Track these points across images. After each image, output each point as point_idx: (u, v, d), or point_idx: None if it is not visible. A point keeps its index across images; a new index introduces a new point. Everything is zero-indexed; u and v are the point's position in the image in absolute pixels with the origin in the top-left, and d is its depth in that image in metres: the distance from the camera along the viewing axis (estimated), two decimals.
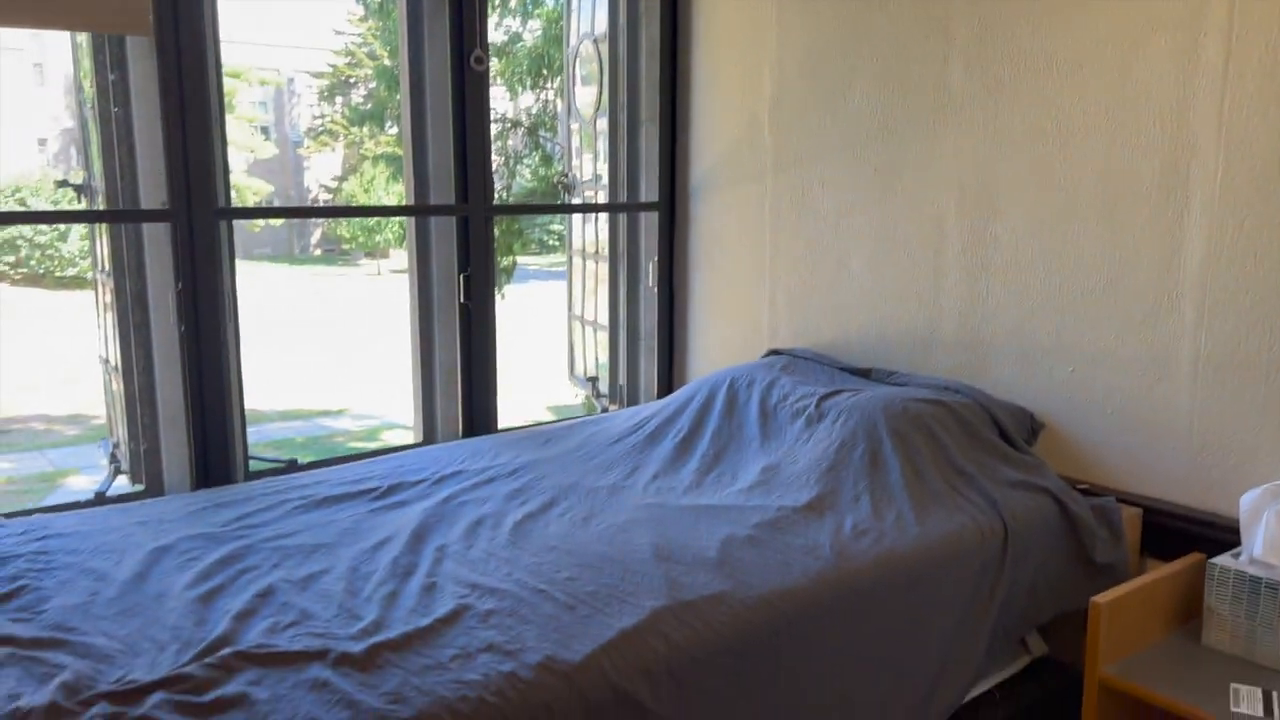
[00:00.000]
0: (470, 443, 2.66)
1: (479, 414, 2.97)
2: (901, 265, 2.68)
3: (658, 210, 3.33)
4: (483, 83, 2.86)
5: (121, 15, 2.19)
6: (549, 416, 3.06)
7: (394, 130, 16.58)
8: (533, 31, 11.39)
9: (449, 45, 2.80)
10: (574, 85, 3.84)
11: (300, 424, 9.72)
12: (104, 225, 2.65)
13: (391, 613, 1.58)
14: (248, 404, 2.63)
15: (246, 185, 18.23)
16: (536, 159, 12.32)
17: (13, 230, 15.59)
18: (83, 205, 2.77)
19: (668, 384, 3.43)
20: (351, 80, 18.96)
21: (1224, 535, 2.02)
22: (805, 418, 2.40)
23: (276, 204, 20.67)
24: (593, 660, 1.45)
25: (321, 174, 21.09)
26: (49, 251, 15.84)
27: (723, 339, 3.27)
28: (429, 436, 3.00)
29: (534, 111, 12.38)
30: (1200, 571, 1.94)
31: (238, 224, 2.78)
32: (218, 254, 2.45)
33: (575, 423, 2.88)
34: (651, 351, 3.44)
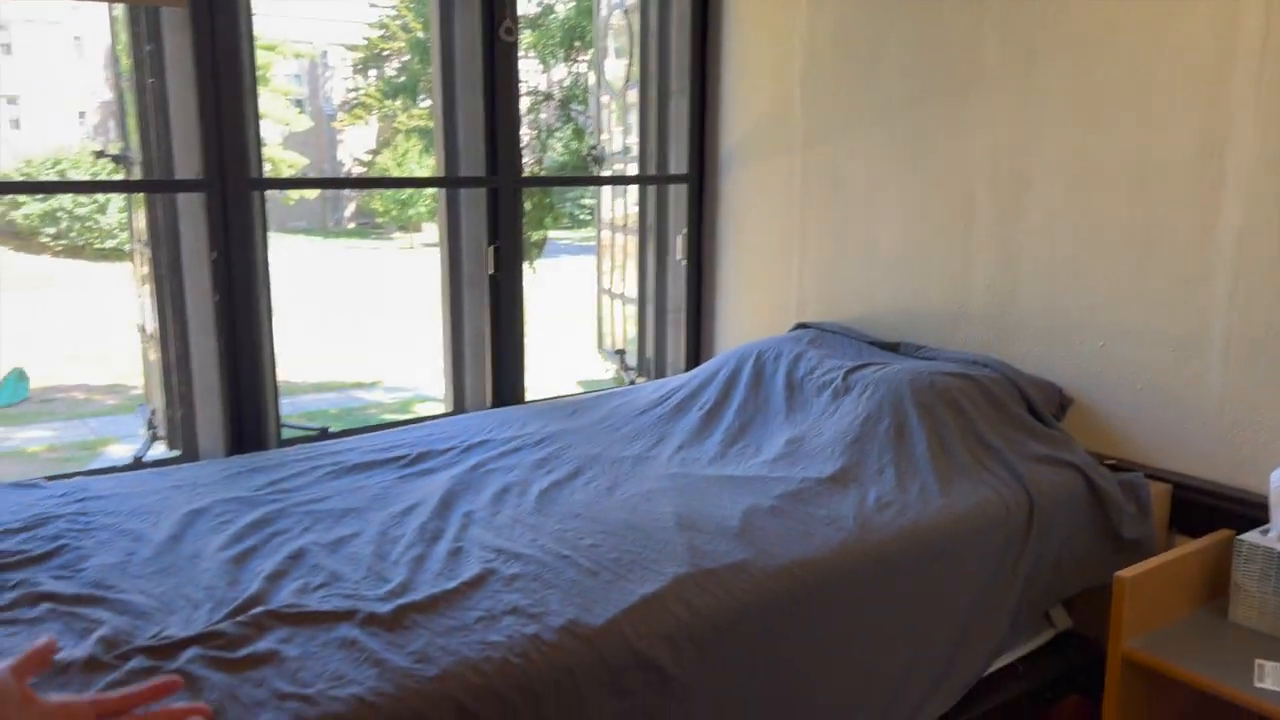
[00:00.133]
0: (498, 413, 2.69)
1: (507, 385, 2.99)
2: (931, 238, 2.66)
3: (687, 183, 3.33)
4: (512, 53, 2.86)
5: None
6: (578, 391, 3.09)
7: (427, 103, 16.62)
8: (565, 3, 11.34)
9: (479, 16, 2.81)
10: (604, 57, 3.83)
11: (334, 396, 9.83)
12: (141, 196, 2.69)
13: (418, 575, 1.61)
14: (282, 375, 2.67)
15: (281, 158, 18.34)
16: (568, 132, 12.30)
17: (53, 203, 15.83)
18: (120, 176, 2.81)
19: (695, 357, 3.43)
20: (385, 53, 18.98)
21: (1253, 512, 2.00)
22: (831, 391, 2.40)
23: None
24: (615, 624, 1.47)
25: (355, 148, 21.17)
26: (88, 224, 16.08)
27: (751, 313, 3.26)
28: (458, 407, 3.04)
29: (566, 84, 12.35)
30: (1228, 547, 1.93)
31: (273, 198, 2.82)
32: (251, 223, 2.48)
33: (602, 394, 2.90)
34: (679, 325, 3.45)
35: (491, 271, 2.93)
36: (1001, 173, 2.47)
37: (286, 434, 2.67)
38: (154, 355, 2.75)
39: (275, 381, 2.61)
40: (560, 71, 12.24)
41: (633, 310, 3.61)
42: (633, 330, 3.63)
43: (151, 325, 2.69)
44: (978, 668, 1.91)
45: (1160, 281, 2.18)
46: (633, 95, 3.48)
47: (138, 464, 2.48)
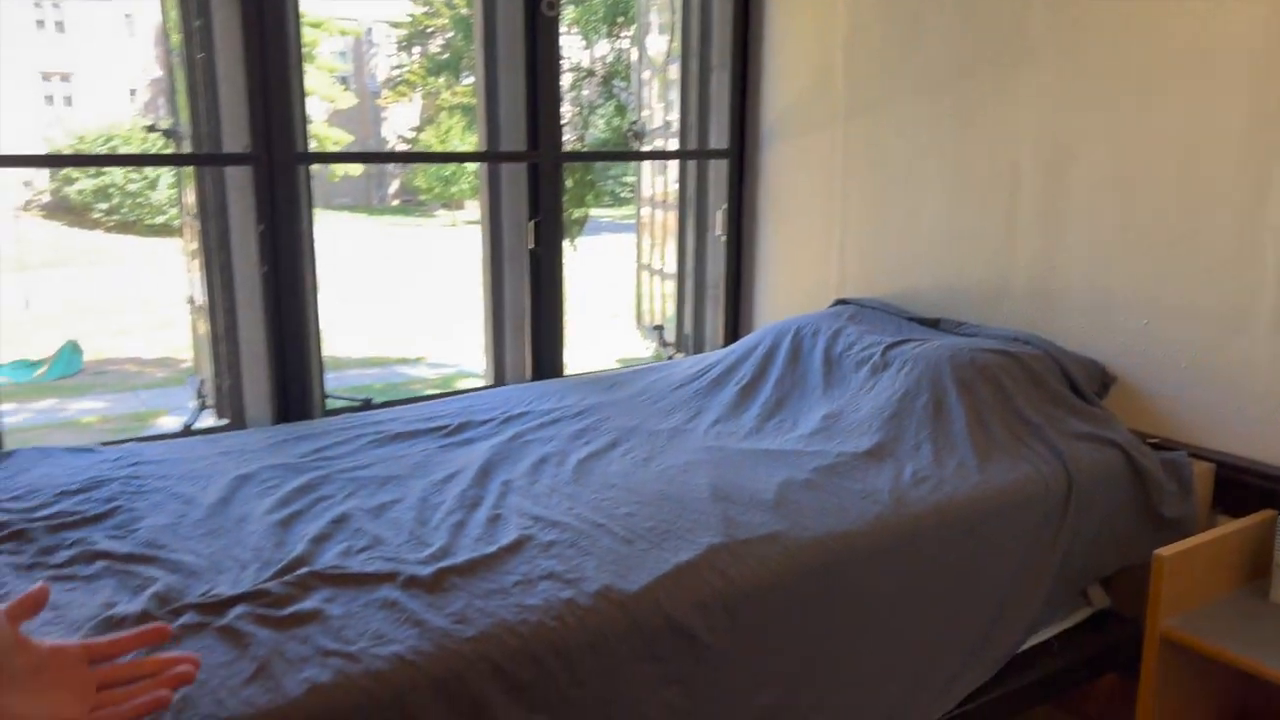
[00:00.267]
0: (537, 385, 2.72)
1: (546, 359, 3.02)
2: (973, 213, 2.64)
3: (727, 158, 3.32)
4: (553, 27, 2.87)
5: None
6: (617, 367, 3.10)
7: (470, 81, 16.66)
8: None
9: None
10: (647, 32, 3.82)
11: (379, 371, 9.97)
12: (190, 171, 2.75)
13: (458, 540, 1.64)
14: (328, 350, 2.72)
15: (326, 135, 18.51)
16: (610, 109, 12.28)
17: (105, 179, 16.16)
18: (170, 150, 2.87)
19: (734, 333, 3.43)
20: (429, 30, 19.04)
21: None
22: (870, 366, 2.39)
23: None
24: (649, 591, 1.49)
25: (399, 125, 21.31)
26: (139, 199, 16.39)
27: (790, 288, 3.26)
28: (498, 380, 3.07)
29: (608, 61, 12.31)
30: (1271, 527, 1.90)
31: (318, 175, 2.86)
32: (297, 197, 2.53)
33: (640, 369, 2.92)
34: (718, 301, 3.45)
35: (532, 246, 2.95)
36: (1046, 147, 2.44)
37: (331, 404, 2.72)
38: (203, 327, 2.81)
39: (320, 352, 2.67)
40: (603, 48, 12.21)
41: (672, 286, 3.62)
42: (671, 306, 3.64)
43: (201, 297, 2.75)
44: (1013, 643, 1.91)
45: (1206, 258, 2.15)
46: (674, 71, 3.47)
47: (188, 431, 2.55)
